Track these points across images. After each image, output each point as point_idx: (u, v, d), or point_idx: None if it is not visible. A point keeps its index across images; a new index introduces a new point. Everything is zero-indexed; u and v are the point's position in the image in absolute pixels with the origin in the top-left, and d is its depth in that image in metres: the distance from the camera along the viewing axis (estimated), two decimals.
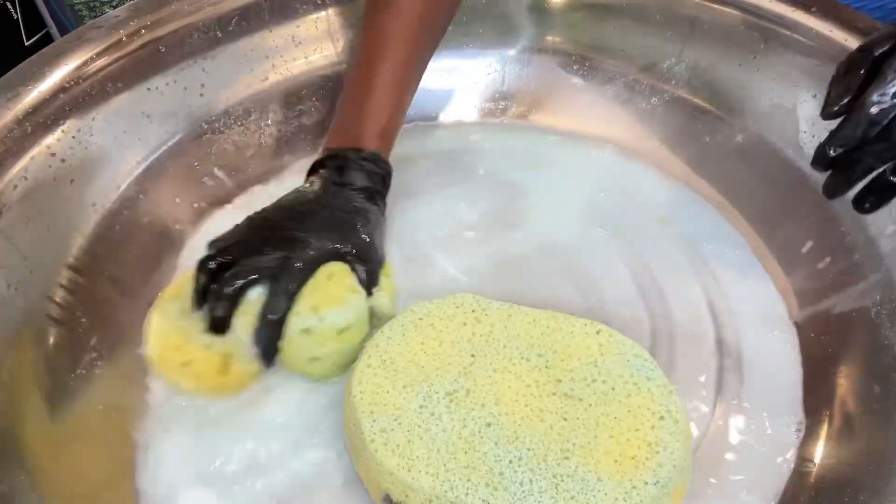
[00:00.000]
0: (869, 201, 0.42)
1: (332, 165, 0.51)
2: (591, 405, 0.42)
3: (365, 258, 0.48)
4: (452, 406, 0.42)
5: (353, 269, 0.48)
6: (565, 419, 0.41)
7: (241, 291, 0.45)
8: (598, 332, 0.45)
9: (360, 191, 0.51)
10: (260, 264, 0.45)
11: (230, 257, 0.46)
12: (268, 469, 0.45)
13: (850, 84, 0.40)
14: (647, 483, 0.38)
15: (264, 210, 0.50)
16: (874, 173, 0.41)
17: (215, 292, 0.45)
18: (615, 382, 0.43)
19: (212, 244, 0.47)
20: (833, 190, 0.43)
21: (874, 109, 0.38)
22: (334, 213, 0.49)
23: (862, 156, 0.40)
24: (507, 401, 0.42)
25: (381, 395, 0.42)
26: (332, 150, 0.52)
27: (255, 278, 0.45)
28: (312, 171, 0.53)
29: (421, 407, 0.42)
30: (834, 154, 0.40)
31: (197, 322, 0.46)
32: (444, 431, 0.41)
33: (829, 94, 0.41)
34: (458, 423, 0.41)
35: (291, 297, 0.45)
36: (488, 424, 0.41)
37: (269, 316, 0.44)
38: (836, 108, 0.40)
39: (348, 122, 0.53)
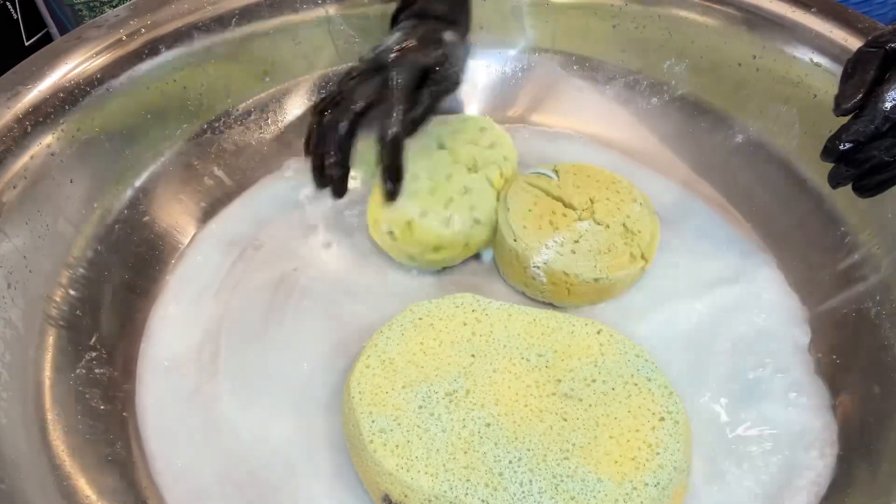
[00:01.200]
0: (870, 186, 0.42)
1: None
2: (591, 405, 0.41)
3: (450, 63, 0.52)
4: (452, 406, 0.41)
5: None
6: (565, 419, 0.41)
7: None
8: (598, 332, 0.45)
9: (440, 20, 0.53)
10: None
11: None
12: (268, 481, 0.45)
13: (861, 80, 0.40)
14: (647, 484, 0.38)
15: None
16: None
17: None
18: (615, 383, 0.43)
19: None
20: (839, 181, 0.43)
21: (888, 105, 0.38)
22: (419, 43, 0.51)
23: (872, 150, 0.40)
24: (507, 401, 0.42)
25: (381, 396, 0.42)
26: None
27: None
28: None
29: (420, 407, 0.41)
30: (844, 148, 0.40)
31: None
32: (444, 432, 0.40)
33: (841, 90, 0.41)
34: (458, 424, 0.41)
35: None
36: (488, 425, 0.41)
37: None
38: (849, 105, 0.40)
39: None
